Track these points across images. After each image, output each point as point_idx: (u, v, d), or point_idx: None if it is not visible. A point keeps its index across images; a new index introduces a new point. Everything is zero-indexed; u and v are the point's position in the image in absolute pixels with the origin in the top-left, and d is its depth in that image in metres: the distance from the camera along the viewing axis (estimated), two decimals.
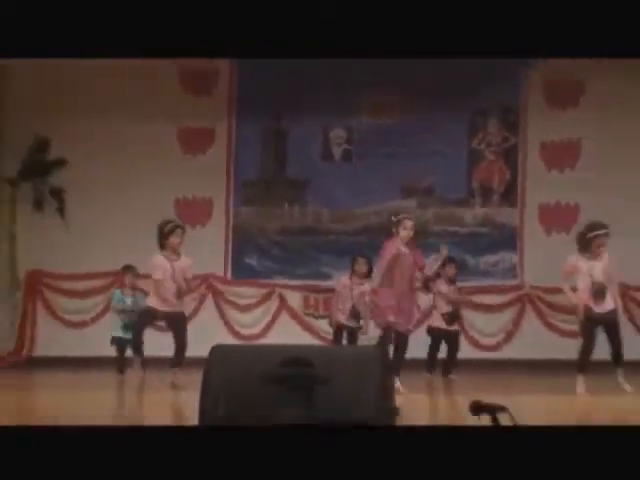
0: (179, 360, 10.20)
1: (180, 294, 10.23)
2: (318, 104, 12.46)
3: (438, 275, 11.12)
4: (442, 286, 11.21)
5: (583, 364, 9.65)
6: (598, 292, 9.67)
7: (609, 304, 9.74)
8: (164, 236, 10.18)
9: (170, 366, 10.10)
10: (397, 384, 8.93)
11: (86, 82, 12.32)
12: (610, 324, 9.73)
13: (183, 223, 11.24)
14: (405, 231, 9.63)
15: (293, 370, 4.54)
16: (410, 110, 12.43)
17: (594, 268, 9.68)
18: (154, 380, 10.09)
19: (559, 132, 12.48)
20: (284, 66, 12.15)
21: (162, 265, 10.16)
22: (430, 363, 11.11)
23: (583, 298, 9.73)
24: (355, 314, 11.04)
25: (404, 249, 9.63)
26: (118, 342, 11.08)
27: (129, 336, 10.76)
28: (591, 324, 9.74)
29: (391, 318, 9.54)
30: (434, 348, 11.15)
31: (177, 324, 10.34)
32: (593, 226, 9.75)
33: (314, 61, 12.19)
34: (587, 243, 9.65)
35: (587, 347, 9.70)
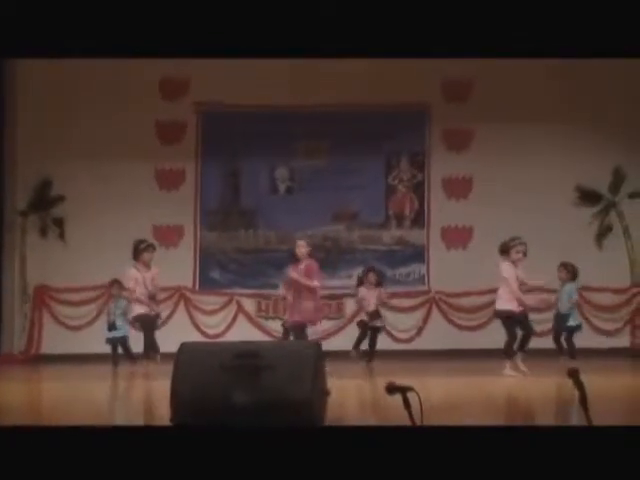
0: (148, 355, 10.21)
1: (152, 298, 10.36)
2: (266, 149, 12.48)
3: (362, 282, 11.31)
4: (366, 291, 11.36)
5: (505, 351, 9.66)
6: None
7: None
8: (138, 252, 10.30)
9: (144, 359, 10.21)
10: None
11: (83, 134, 12.26)
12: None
13: (159, 245, 11.25)
14: (300, 250, 10.11)
15: (244, 361, 4.61)
16: (338, 153, 12.49)
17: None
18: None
19: (455, 170, 12.62)
20: (239, 118, 12.30)
21: (134, 276, 10.24)
22: (356, 346, 11.24)
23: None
24: None
25: (301, 267, 10.04)
26: (111, 341, 11.07)
27: (118, 335, 10.81)
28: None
29: (295, 318, 10.00)
30: (361, 338, 11.32)
31: (148, 325, 10.36)
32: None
33: (264, 114, 12.35)
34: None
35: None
